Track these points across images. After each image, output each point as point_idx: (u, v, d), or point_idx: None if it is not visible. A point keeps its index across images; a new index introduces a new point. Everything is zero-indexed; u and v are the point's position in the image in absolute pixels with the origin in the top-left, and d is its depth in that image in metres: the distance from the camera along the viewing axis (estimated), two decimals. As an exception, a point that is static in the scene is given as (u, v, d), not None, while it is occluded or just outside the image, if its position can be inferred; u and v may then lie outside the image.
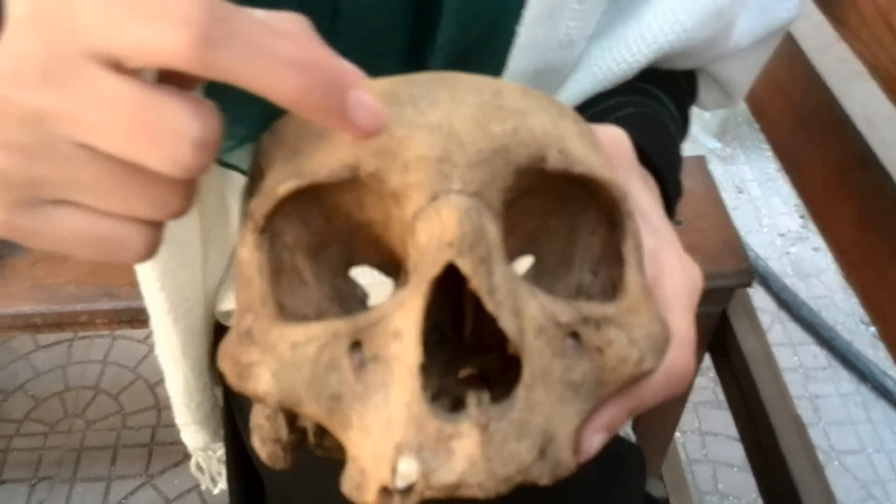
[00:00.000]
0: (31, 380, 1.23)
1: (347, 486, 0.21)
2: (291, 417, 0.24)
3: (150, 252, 0.21)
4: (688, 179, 0.82)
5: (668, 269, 0.25)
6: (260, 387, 0.21)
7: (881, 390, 1.25)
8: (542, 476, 0.20)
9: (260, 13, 0.19)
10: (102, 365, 1.26)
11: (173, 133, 0.18)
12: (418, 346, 0.20)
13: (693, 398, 1.15)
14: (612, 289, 0.24)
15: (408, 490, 0.19)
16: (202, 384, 0.52)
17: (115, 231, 0.20)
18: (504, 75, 0.37)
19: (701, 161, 0.85)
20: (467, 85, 0.23)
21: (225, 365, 0.22)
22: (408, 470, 0.19)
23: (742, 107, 0.65)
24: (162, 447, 1.16)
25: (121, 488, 1.11)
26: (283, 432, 0.24)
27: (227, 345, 0.22)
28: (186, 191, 0.20)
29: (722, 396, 0.81)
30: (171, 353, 0.49)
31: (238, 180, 0.45)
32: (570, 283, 0.25)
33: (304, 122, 0.23)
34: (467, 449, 0.19)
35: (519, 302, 0.21)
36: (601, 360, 0.22)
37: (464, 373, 0.24)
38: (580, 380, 0.21)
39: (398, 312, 0.20)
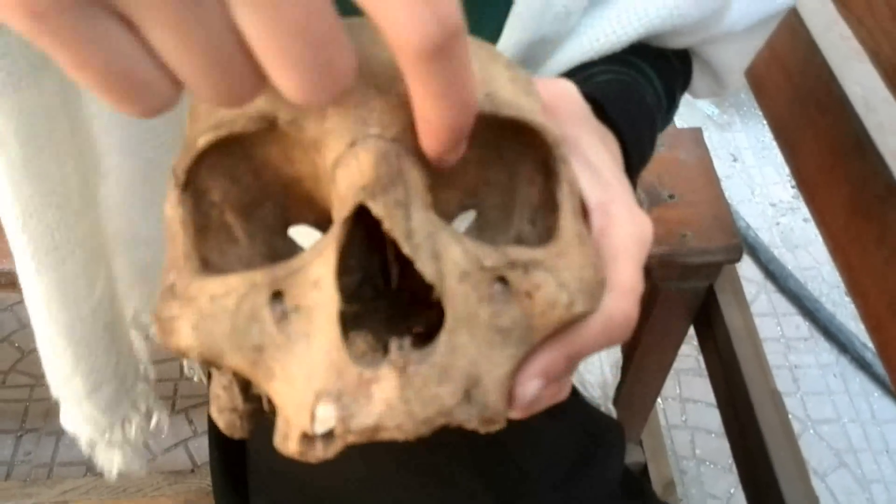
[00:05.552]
0: (16, 331, 1.23)
1: (277, 438, 0.20)
2: (245, 386, 0.24)
3: (162, 109, 0.18)
4: (682, 151, 0.82)
5: (616, 220, 0.24)
6: (182, 341, 0.20)
7: (860, 362, 1.27)
8: (469, 420, 0.20)
9: None
10: (89, 318, 1.26)
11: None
12: (335, 292, 0.19)
13: (676, 366, 1.16)
14: (547, 236, 0.23)
15: (330, 436, 0.19)
16: (74, 356, 0.42)
17: (149, 74, 0.17)
18: (498, 45, 0.36)
19: (697, 133, 0.84)
20: None
21: (155, 324, 0.22)
22: (325, 415, 0.19)
23: (741, 76, 0.63)
24: (149, 401, 1.17)
25: (108, 440, 1.12)
26: (238, 401, 0.24)
27: (157, 304, 0.22)
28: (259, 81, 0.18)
29: (704, 365, 0.83)
30: (36, 309, 0.40)
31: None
32: (509, 234, 0.25)
33: None
34: (385, 392, 0.19)
35: (439, 246, 0.20)
36: (530, 304, 0.21)
37: (416, 330, 0.24)
38: (510, 325, 0.21)
39: (316, 261, 0.20)
